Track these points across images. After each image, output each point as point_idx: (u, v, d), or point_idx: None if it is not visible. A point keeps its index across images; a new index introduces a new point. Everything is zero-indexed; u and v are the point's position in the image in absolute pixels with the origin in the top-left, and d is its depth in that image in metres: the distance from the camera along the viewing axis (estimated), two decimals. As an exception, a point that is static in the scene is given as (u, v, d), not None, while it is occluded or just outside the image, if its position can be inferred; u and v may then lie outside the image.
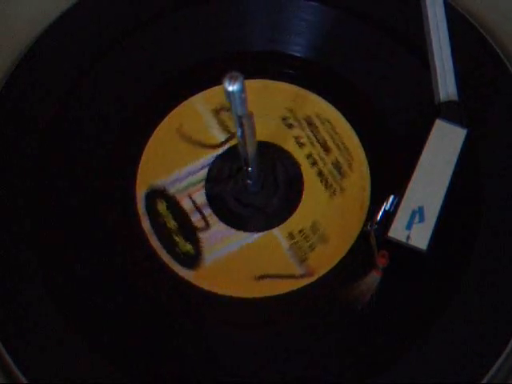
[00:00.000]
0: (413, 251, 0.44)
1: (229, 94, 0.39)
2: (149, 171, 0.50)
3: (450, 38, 0.48)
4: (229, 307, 0.47)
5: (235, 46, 0.54)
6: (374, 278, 0.44)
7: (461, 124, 0.47)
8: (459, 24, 0.53)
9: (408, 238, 0.44)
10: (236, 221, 0.49)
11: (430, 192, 0.45)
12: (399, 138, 0.50)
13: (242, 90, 0.39)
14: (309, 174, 0.50)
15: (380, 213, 0.45)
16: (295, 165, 0.51)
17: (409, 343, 0.44)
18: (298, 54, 0.54)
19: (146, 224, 0.49)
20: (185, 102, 0.53)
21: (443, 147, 0.46)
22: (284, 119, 0.52)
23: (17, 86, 0.52)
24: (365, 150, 0.51)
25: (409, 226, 0.44)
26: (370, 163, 0.50)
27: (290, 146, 0.51)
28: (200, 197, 0.50)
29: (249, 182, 0.49)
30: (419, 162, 0.46)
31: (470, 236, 0.47)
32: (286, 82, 0.53)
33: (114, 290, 0.47)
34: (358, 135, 0.51)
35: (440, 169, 0.45)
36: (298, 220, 0.49)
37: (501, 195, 0.48)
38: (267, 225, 0.49)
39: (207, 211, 0.49)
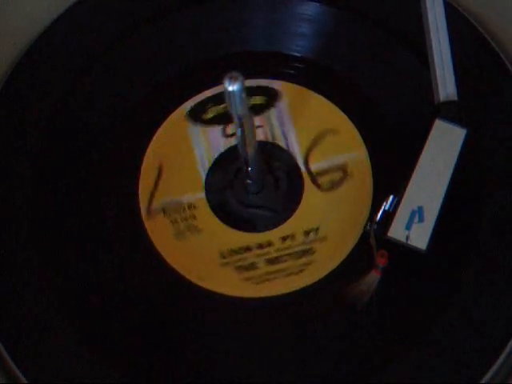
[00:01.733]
0: (412, 251, 0.44)
1: (229, 94, 0.39)
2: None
3: (449, 38, 0.48)
4: (228, 307, 0.47)
5: (235, 46, 0.54)
6: (373, 277, 0.44)
7: (460, 124, 0.47)
8: (459, 24, 0.53)
9: (407, 238, 0.44)
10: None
11: (430, 192, 0.45)
12: (399, 138, 0.50)
13: (242, 89, 0.39)
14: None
15: (380, 212, 0.45)
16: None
17: (409, 343, 0.44)
18: (298, 54, 0.54)
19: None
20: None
21: (443, 147, 0.46)
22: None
23: (17, 85, 0.52)
24: (366, 148, 0.51)
25: (408, 226, 0.44)
26: (371, 162, 0.50)
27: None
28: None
29: (249, 182, 0.49)
30: (419, 162, 0.46)
31: (469, 236, 0.47)
32: (286, 82, 0.53)
33: (114, 291, 0.47)
34: (359, 134, 0.51)
35: (440, 169, 0.45)
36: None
37: (501, 195, 0.48)
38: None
39: None
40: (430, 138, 0.46)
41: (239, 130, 0.43)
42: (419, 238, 0.44)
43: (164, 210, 0.49)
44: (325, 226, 0.49)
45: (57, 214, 0.49)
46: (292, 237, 0.48)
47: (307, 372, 0.44)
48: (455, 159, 0.46)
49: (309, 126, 0.52)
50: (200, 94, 0.53)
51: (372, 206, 0.48)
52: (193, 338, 0.46)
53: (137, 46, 0.54)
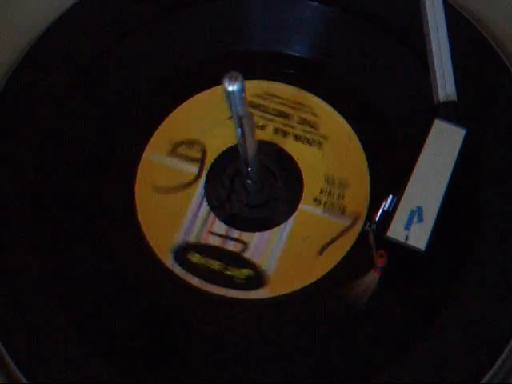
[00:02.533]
0: (411, 251, 0.44)
1: (229, 94, 0.39)
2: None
3: (449, 38, 0.48)
4: (228, 307, 0.47)
5: (235, 46, 0.55)
6: (372, 277, 0.44)
7: (460, 124, 0.47)
8: (459, 24, 0.53)
9: (407, 238, 0.44)
10: (261, 223, 0.49)
11: (429, 192, 0.45)
12: (399, 138, 0.51)
13: (242, 89, 0.39)
14: (288, 144, 0.51)
15: (379, 212, 0.45)
16: (275, 146, 0.51)
17: (408, 343, 0.44)
18: (298, 54, 0.54)
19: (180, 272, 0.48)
20: (142, 158, 0.51)
21: (442, 147, 0.46)
22: None
23: (17, 85, 0.52)
24: (364, 149, 0.51)
25: (407, 226, 0.44)
26: (369, 163, 0.50)
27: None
28: (219, 226, 0.49)
29: (249, 182, 0.49)
30: (418, 162, 0.46)
31: (468, 236, 0.47)
32: (286, 82, 0.53)
33: (114, 290, 0.47)
34: (357, 135, 0.51)
35: (439, 169, 0.45)
36: (311, 185, 0.50)
37: (500, 195, 0.48)
38: (290, 208, 0.49)
39: (235, 233, 0.49)
40: (429, 137, 0.46)
41: (239, 131, 0.43)
42: (418, 238, 0.44)
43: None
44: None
45: (57, 214, 0.49)
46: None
47: (306, 372, 0.44)
48: (454, 159, 0.46)
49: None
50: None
51: (371, 202, 0.49)
52: (203, 342, 0.46)
53: (136, 46, 0.54)
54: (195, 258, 0.48)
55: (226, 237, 0.49)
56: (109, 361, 0.44)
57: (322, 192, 0.50)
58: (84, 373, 0.44)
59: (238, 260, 0.48)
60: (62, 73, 0.53)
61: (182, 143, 0.52)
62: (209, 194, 0.50)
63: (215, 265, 0.48)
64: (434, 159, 0.46)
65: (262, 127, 0.52)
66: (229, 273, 0.48)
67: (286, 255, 0.48)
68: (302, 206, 0.49)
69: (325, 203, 0.49)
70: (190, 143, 0.52)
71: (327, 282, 0.47)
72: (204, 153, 0.52)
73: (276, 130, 0.52)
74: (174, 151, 0.52)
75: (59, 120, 0.51)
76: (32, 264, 0.47)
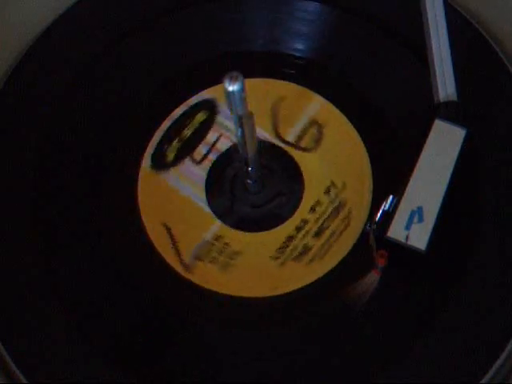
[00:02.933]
0: (412, 251, 0.44)
1: (229, 94, 0.39)
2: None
3: (449, 38, 0.48)
4: (228, 307, 0.47)
5: (235, 46, 0.54)
6: (372, 277, 0.44)
7: (460, 124, 0.47)
8: (459, 24, 0.53)
9: (407, 238, 0.44)
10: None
11: (429, 192, 0.45)
12: (399, 138, 0.51)
13: (242, 89, 0.39)
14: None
15: (379, 213, 0.45)
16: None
17: (408, 343, 0.44)
18: (298, 54, 0.54)
19: None
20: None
21: (442, 147, 0.46)
22: None
23: (17, 85, 0.52)
24: (366, 149, 0.51)
25: (408, 227, 0.44)
26: (371, 162, 0.50)
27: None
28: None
29: (249, 181, 0.49)
30: (418, 162, 0.46)
31: (469, 236, 0.47)
32: (285, 82, 0.53)
33: (114, 290, 0.47)
34: (358, 134, 0.51)
35: (439, 169, 0.45)
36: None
37: (500, 195, 0.48)
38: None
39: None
40: (429, 138, 0.46)
41: (239, 131, 0.43)
42: (419, 238, 0.44)
43: (198, 258, 0.49)
44: (336, 177, 0.50)
45: (58, 213, 0.49)
46: (317, 203, 0.49)
47: (306, 372, 0.44)
48: (455, 159, 0.46)
49: (297, 121, 0.52)
50: (152, 139, 0.52)
51: (372, 201, 0.49)
52: (204, 343, 0.46)
53: (136, 46, 0.54)
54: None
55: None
56: (109, 361, 0.44)
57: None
58: (84, 373, 0.44)
59: None
60: (62, 73, 0.53)
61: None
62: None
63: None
64: (434, 159, 0.46)
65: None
66: None
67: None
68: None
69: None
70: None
71: (327, 282, 0.47)
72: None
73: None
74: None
75: (59, 120, 0.51)
76: (32, 264, 0.47)
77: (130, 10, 0.55)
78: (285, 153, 0.51)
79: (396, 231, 0.44)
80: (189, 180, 0.51)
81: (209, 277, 0.47)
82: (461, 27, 0.53)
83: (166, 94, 0.53)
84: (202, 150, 0.51)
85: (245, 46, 0.55)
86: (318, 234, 0.48)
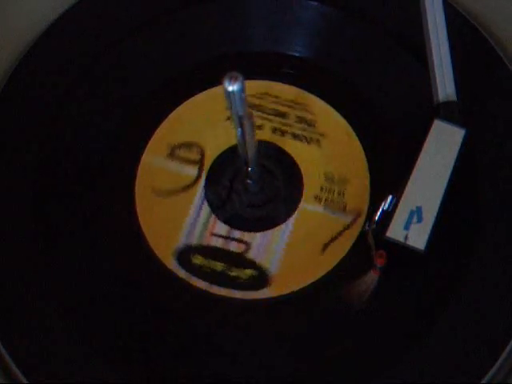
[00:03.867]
0: (411, 251, 0.44)
1: (229, 94, 0.39)
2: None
3: (449, 38, 0.48)
4: (230, 308, 0.47)
5: (235, 46, 0.54)
6: (371, 277, 0.44)
7: (459, 124, 0.47)
8: (459, 24, 0.53)
9: (406, 238, 0.44)
10: (262, 223, 0.49)
11: (429, 192, 0.45)
12: (398, 138, 0.51)
13: (242, 89, 0.39)
14: (287, 144, 0.51)
15: (378, 212, 0.45)
16: (272, 145, 0.52)
17: (408, 343, 0.44)
18: (298, 54, 0.54)
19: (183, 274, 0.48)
20: (142, 160, 0.51)
21: (442, 147, 0.46)
22: None
23: (17, 86, 0.52)
24: (364, 149, 0.51)
25: (407, 226, 0.44)
26: (369, 163, 0.50)
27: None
28: (220, 227, 0.49)
29: (249, 181, 0.49)
30: (417, 162, 0.46)
31: (468, 236, 0.47)
32: (286, 82, 0.53)
33: (114, 290, 0.47)
34: (357, 135, 0.51)
35: (438, 169, 0.45)
36: (311, 183, 0.50)
37: (500, 195, 0.48)
38: (291, 207, 0.49)
39: (237, 233, 0.49)
40: (428, 138, 0.46)
41: (239, 131, 0.43)
42: (418, 238, 0.44)
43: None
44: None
45: (58, 223, 0.49)
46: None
47: (306, 372, 0.44)
48: (454, 159, 0.46)
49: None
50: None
51: (372, 201, 0.49)
52: (203, 342, 0.46)
53: (136, 46, 0.54)
54: (198, 260, 0.48)
55: (228, 238, 0.49)
56: (109, 361, 0.44)
57: (322, 190, 0.50)
58: (84, 373, 0.44)
59: (240, 260, 0.48)
60: (62, 73, 0.53)
61: (180, 146, 0.52)
62: (209, 195, 0.50)
63: (218, 266, 0.48)
64: (434, 159, 0.46)
65: (260, 127, 0.52)
66: (232, 273, 0.48)
67: (288, 254, 0.48)
68: (302, 205, 0.49)
69: (325, 200, 0.49)
70: (189, 145, 0.52)
71: (327, 282, 0.47)
72: (203, 155, 0.52)
73: (274, 130, 0.52)
74: (172, 153, 0.52)
75: (59, 120, 0.51)
76: (32, 264, 0.47)
77: (130, 9, 0.55)
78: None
79: (395, 231, 0.44)
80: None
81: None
82: (461, 27, 0.53)
83: (166, 94, 0.53)
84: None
85: (245, 46, 0.55)
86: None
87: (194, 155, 0.51)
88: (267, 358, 0.45)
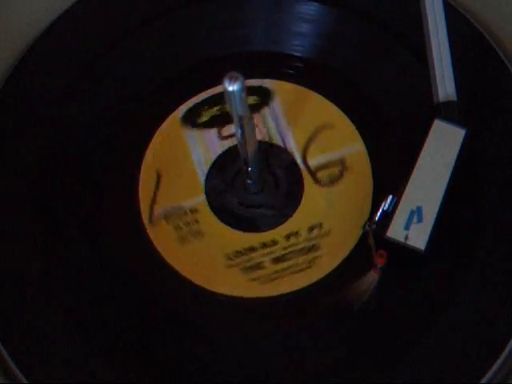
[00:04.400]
0: (411, 251, 0.44)
1: (229, 94, 0.39)
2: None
3: (449, 38, 0.48)
4: (230, 307, 0.47)
5: (235, 46, 0.54)
6: (372, 277, 0.44)
7: (460, 124, 0.47)
8: (459, 24, 0.53)
9: (406, 238, 0.44)
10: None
11: (429, 192, 0.45)
12: (399, 138, 0.51)
13: (242, 89, 0.39)
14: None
15: (378, 212, 0.45)
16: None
17: (408, 343, 0.44)
18: (298, 54, 0.54)
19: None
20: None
21: (442, 147, 0.46)
22: None
23: (16, 86, 0.52)
24: (366, 148, 0.51)
25: (407, 226, 0.44)
26: (370, 162, 0.50)
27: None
28: None
29: (249, 182, 0.49)
30: (418, 162, 0.46)
31: (468, 236, 0.47)
32: (285, 82, 0.53)
33: (114, 290, 0.47)
34: (356, 129, 0.51)
35: (439, 169, 0.45)
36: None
37: (500, 195, 0.48)
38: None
39: None
40: (429, 138, 0.46)
41: (239, 130, 0.43)
42: (418, 238, 0.44)
43: (166, 217, 0.49)
44: (328, 221, 0.49)
45: (58, 223, 0.49)
46: (296, 234, 0.48)
47: (306, 372, 0.44)
48: (454, 159, 0.46)
49: (305, 124, 0.52)
50: (193, 98, 0.53)
51: (373, 200, 0.49)
52: (203, 342, 0.45)
53: (136, 46, 0.54)
54: None
55: None
56: (109, 361, 0.44)
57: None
58: (84, 373, 0.44)
59: None
60: (62, 73, 0.53)
61: None
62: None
63: None
64: (434, 159, 0.46)
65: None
66: None
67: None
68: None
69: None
70: None
71: (327, 282, 0.47)
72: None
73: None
74: None
75: (59, 120, 0.51)
76: (32, 264, 0.47)
77: (130, 9, 0.55)
78: (299, 172, 0.51)
79: (395, 231, 0.44)
80: (204, 148, 0.51)
81: (164, 240, 0.48)
82: (461, 27, 0.53)
83: (166, 94, 0.53)
84: (231, 129, 0.51)
85: (245, 46, 0.55)
86: (277, 260, 0.48)
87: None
88: (267, 358, 0.45)
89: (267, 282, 0.47)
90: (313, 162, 0.51)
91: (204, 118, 0.52)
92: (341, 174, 0.50)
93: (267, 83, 0.53)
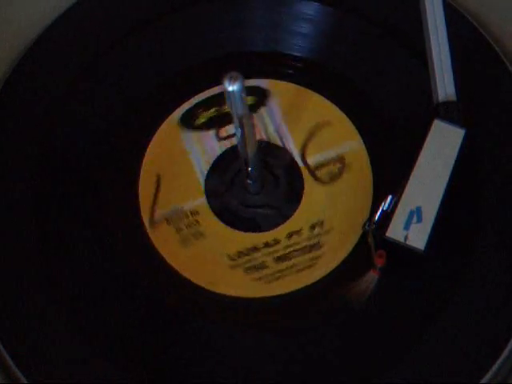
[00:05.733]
0: (411, 251, 0.44)
1: (229, 94, 0.39)
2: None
3: (449, 38, 0.48)
4: (230, 307, 0.47)
5: (235, 46, 0.55)
6: (371, 277, 0.44)
7: (459, 124, 0.47)
8: (459, 24, 0.53)
9: (406, 238, 0.44)
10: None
11: (428, 192, 0.45)
12: (398, 138, 0.51)
13: (242, 89, 0.39)
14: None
15: (378, 212, 0.45)
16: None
17: (408, 343, 0.44)
18: (298, 54, 0.54)
19: None
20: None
21: (441, 147, 0.46)
22: None
23: (16, 86, 0.52)
24: (366, 148, 0.51)
25: (407, 226, 0.44)
26: (371, 161, 0.50)
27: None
28: None
29: (249, 182, 0.49)
30: (417, 163, 0.46)
31: (468, 236, 0.47)
32: (283, 81, 0.53)
33: (114, 290, 0.47)
34: (354, 126, 0.51)
35: (438, 169, 0.45)
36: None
37: (500, 195, 0.48)
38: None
39: None
40: (428, 138, 0.46)
41: (239, 130, 0.43)
42: (417, 238, 0.44)
43: (167, 220, 0.49)
44: (329, 218, 0.49)
45: (59, 226, 0.49)
46: (298, 232, 0.48)
47: (306, 372, 0.44)
48: (454, 159, 0.46)
49: (303, 122, 0.52)
50: (191, 99, 0.53)
51: (373, 196, 0.49)
52: (209, 343, 0.45)
53: (136, 46, 0.54)
54: None
55: None
56: (109, 361, 0.44)
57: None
58: (84, 373, 0.44)
59: None
60: (62, 73, 0.53)
61: None
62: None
63: None
64: (434, 159, 0.46)
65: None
66: None
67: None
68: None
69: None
70: None
71: (327, 282, 0.47)
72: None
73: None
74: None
75: (59, 120, 0.51)
76: (32, 264, 0.47)
77: (130, 9, 0.55)
78: (299, 171, 0.51)
79: (395, 231, 0.44)
80: (203, 149, 0.51)
81: (167, 243, 0.48)
82: (461, 27, 0.53)
83: (166, 94, 0.53)
84: (229, 129, 0.51)
85: (245, 46, 0.55)
86: (279, 260, 0.48)
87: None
88: (267, 358, 0.45)
89: (272, 282, 0.47)
90: (312, 160, 0.51)
91: (201, 120, 0.52)
92: (340, 172, 0.50)
93: (264, 83, 0.53)
